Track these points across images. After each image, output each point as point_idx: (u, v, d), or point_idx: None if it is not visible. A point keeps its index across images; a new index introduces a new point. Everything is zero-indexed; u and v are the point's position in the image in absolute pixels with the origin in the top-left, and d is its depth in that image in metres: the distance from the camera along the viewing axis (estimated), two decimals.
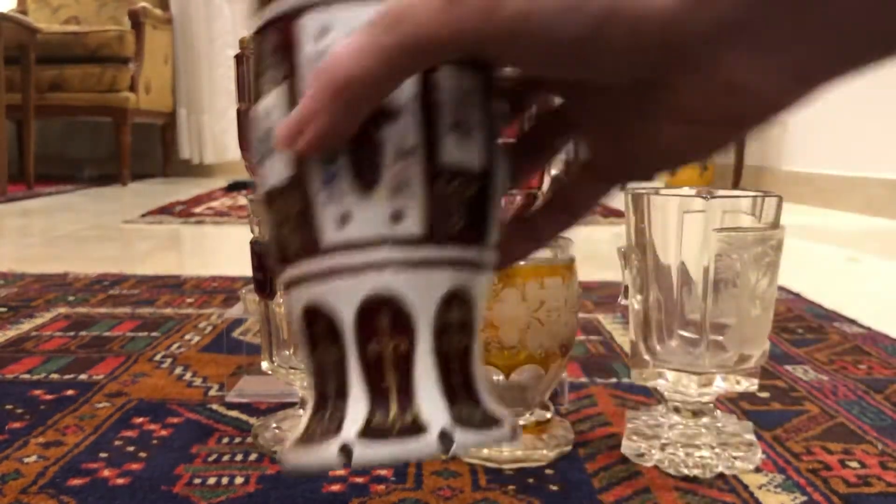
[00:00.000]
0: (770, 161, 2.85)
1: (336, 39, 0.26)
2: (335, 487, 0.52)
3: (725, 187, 0.64)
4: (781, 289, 1.18)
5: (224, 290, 1.18)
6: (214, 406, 0.67)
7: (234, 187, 3.08)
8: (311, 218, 0.27)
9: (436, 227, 0.27)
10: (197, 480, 0.53)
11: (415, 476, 0.54)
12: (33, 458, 0.56)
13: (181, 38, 4.02)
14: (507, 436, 0.28)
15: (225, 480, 0.53)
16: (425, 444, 0.26)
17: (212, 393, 0.71)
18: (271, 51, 0.28)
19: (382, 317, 0.27)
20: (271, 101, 0.28)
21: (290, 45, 0.27)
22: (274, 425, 0.59)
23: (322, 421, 0.28)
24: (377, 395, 0.27)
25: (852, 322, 0.99)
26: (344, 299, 0.27)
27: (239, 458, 0.57)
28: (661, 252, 0.54)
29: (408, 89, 0.26)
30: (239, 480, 0.53)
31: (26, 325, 0.95)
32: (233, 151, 4.11)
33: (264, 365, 0.59)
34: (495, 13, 0.23)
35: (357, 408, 0.27)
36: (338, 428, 0.27)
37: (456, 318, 0.28)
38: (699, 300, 0.53)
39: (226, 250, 1.58)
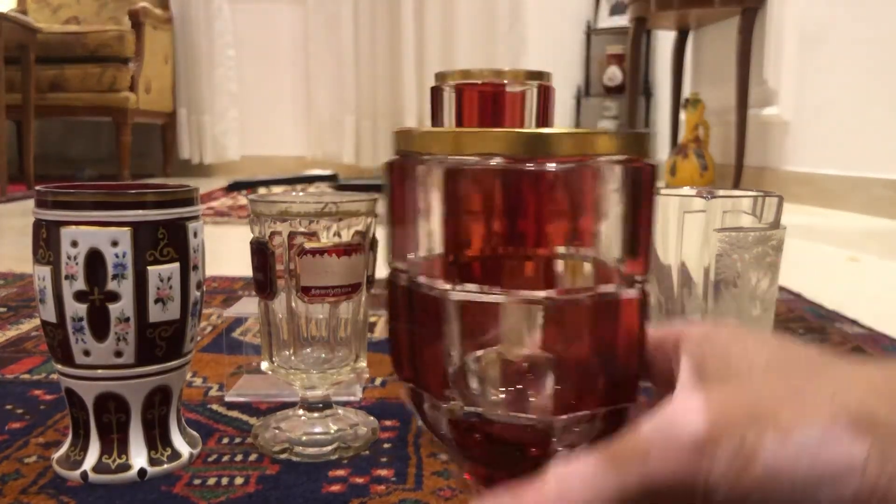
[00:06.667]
0: (771, 161, 2.85)
1: None
2: (335, 488, 0.52)
3: (726, 187, 0.64)
4: (782, 289, 1.18)
5: (224, 290, 1.18)
6: (214, 406, 0.67)
7: (235, 187, 3.08)
8: (69, 347, 0.52)
9: (142, 356, 0.52)
10: (197, 480, 0.53)
11: (415, 476, 0.53)
12: (33, 458, 0.56)
13: (181, 38, 4.02)
14: (185, 463, 0.55)
15: (225, 481, 0.53)
16: (129, 476, 0.52)
17: (212, 393, 0.71)
18: None
19: (110, 403, 0.52)
20: None
21: None
22: (274, 425, 0.59)
23: (75, 451, 0.54)
24: (105, 444, 0.53)
25: (853, 322, 0.99)
26: (85, 392, 0.53)
27: (239, 458, 0.57)
28: (662, 252, 0.54)
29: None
30: (239, 481, 0.53)
31: (26, 326, 0.95)
32: (232, 151, 4.12)
33: (264, 365, 0.59)
34: (747, 471, 0.22)
35: (93, 450, 0.53)
36: (82, 461, 0.53)
37: (158, 400, 0.54)
38: (699, 300, 0.53)
39: (226, 250, 1.58)
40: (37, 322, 0.96)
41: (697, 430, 0.23)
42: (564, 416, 0.27)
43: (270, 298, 0.57)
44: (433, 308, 0.27)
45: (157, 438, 0.54)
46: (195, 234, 0.55)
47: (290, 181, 3.26)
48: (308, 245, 0.55)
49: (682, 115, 3.28)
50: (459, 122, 0.66)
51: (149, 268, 0.51)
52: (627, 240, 0.27)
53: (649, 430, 0.23)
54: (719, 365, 0.26)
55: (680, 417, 0.23)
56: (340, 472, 0.54)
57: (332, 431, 0.58)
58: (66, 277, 0.50)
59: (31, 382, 0.74)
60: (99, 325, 0.51)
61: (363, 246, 0.57)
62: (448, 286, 0.26)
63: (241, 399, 0.69)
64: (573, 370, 0.27)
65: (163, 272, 0.52)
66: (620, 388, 0.28)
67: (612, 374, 0.27)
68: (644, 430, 0.24)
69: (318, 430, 0.58)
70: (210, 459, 0.56)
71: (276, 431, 0.58)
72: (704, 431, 0.23)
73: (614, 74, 4.13)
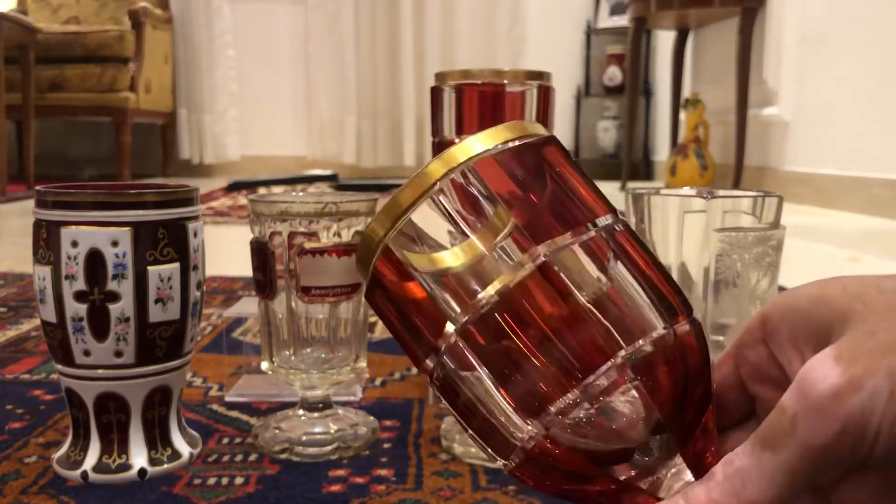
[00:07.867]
0: (771, 161, 2.85)
1: None
2: (335, 487, 0.52)
3: (726, 187, 0.64)
4: (782, 289, 1.18)
5: (224, 290, 1.18)
6: (214, 406, 0.67)
7: (234, 187, 3.08)
8: (69, 347, 0.51)
9: (142, 356, 0.52)
10: (197, 481, 0.53)
11: (415, 476, 0.53)
12: (33, 458, 0.56)
13: (181, 38, 4.02)
14: (185, 463, 0.54)
15: (225, 480, 0.53)
16: (130, 476, 0.52)
17: (212, 393, 0.71)
18: None
19: (110, 403, 0.52)
20: None
21: None
22: (274, 425, 0.59)
23: (75, 451, 0.54)
24: (105, 444, 0.53)
25: None
26: (85, 392, 0.52)
27: (239, 458, 0.57)
28: (662, 252, 0.54)
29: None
30: (239, 481, 0.53)
31: (26, 326, 0.95)
32: (232, 151, 4.12)
33: (264, 365, 0.59)
34: None
35: (93, 450, 0.53)
36: (82, 461, 0.53)
37: (158, 400, 0.53)
38: (700, 300, 0.53)
39: (225, 250, 1.58)
40: (37, 322, 0.96)
41: (833, 382, 0.22)
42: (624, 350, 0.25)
43: (270, 298, 0.57)
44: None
45: (157, 438, 0.54)
46: (195, 234, 0.55)
47: (290, 181, 3.26)
48: (308, 245, 0.55)
49: (682, 115, 3.28)
50: (459, 123, 0.66)
51: (149, 268, 0.51)
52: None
53: (788, 401, 0.23)
54: (831, 319, 0.24)
55: (811, 376, 0.22)
56: (340, 472, 0.54)
57: (332, 431, 0.58)
58: (67, 277, 0.50)
59: (31, 382, 0.74)
60: (99, 325, 0.51)
61: None
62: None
63: (241, 399, 0.69)
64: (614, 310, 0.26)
65: (163, 272, 0.52)
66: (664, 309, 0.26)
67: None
68: (783, 403, 0.23)
69: (318, 430, 0.58)
70: (210, 459, 0.56)
71: (276, 431, 0.58)
72: (841, 381, 0.21)
73: (614, 74, 4.13)
